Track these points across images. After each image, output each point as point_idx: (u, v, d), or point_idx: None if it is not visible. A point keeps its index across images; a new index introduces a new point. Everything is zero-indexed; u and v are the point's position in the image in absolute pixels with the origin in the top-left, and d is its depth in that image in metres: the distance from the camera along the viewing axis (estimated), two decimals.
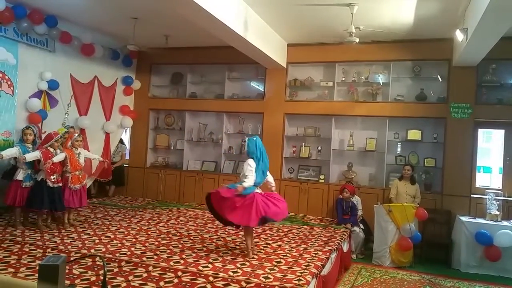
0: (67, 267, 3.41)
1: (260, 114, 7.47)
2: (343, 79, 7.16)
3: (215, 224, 5.54)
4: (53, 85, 6.25)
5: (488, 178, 6.85)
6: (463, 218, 5.76)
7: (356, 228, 6.01)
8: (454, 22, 5.36)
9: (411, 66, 6.86)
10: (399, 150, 6.95)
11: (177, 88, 8.30)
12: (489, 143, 7.13)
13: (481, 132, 6.74)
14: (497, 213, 5.67)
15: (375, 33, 6.06)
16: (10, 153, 5.00)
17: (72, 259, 3.74)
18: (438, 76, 6.67)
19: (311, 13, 5.53)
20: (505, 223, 5.55)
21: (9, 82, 5.72)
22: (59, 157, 5.15)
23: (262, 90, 7.61)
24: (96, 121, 7.26)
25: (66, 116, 6.62)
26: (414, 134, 6.71)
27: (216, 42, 6.39)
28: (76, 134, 5.54)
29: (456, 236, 5.84)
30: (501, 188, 6.30)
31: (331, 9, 5.27)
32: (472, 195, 6.25)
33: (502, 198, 5.87)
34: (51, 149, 5.15)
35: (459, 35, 5.12)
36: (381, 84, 6.93)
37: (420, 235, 5.70)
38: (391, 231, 5.67)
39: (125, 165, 8.25)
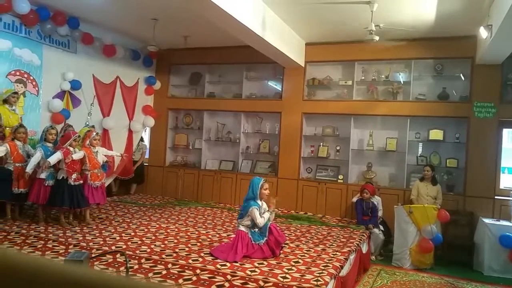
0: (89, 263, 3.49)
1: (278, 114, 7.45)
2: (363, 78, 7.06)
3: (233, 223, 5.56)
4: (75, 85, 6.39)
5: None
6: (487, 220, 5.61)
7: (375, 230, 5.93)
8: (478, 19, 5.23)
9: (433, 64, 6.71)
10: (420, 150, 6.82)
11: (196, 88, 8.36)
12: None
13: (506, 132, 6.55)
14: None
15: (396, 31, 5.96)
16: (35, 160, 5.06)
17: (93, 255, 3.82)
18: (461, 75, 6.51)
19: (330, 11, 5.48)
20: None
21: (34, 83, 5.88)
22: (78, 154, 5.26)
23: (280, 89, 7.58)
24: (119, 121, 7.37)
25: (89, 116, 6.76)
26: (436, 134, 6.57)
27: (234, 42, 6.41)
28: (94, 133, 5.62)
29: (479, 238, 5.69)
30: None
31: (350, 7, 5.21)
32: (496, 197, 6.07)
33: None
34: (71, 148, 5.27)
35: (483, 32, 4.98)
36: (402, 83, 6.81)
37: (441, 237, 5.58)
38: (412, 233, 5.57)
39: (145, 163, 8.37)
